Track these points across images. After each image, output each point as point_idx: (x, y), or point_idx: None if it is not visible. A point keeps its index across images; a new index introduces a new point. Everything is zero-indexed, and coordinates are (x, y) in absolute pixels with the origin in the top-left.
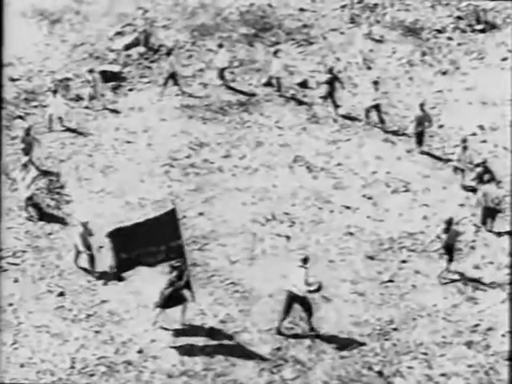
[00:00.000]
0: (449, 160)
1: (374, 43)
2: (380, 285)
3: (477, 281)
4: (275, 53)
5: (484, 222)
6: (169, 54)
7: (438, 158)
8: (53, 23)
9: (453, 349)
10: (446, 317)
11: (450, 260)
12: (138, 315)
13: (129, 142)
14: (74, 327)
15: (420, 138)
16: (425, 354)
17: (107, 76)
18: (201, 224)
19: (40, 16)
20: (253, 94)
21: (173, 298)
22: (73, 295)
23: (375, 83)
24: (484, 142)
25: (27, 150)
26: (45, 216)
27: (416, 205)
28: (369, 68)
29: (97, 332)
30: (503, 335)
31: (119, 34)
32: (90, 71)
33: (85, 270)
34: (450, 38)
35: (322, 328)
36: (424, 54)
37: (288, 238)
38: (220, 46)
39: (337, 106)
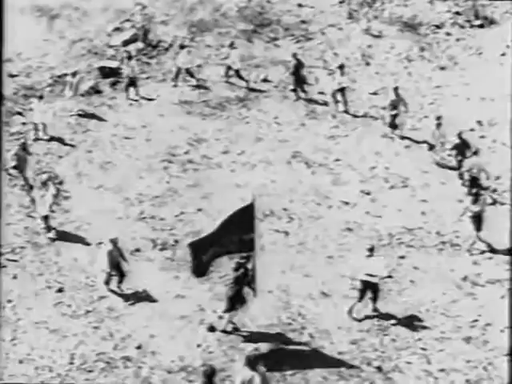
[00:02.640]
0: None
1: (373, 39)
2: (379, 280)
3: (476, 276)
4: (231, 45)
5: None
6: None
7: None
8: (51, 19)
9: (452, 344)
10: (444, 312)
11: (479, 229)
12: (136, 311)
13: (127, 138)
14: (72, 323)
15: (394, 121)
16: (424, 349)
17: (105, 72)
18: (199, 220)
19: (39, 12)
20: (251, 90)
21: (238, 299)
22: (72, 291)
23: (341, 67)
24: (482, 137)
25: (21, 167)
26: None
27: (414, 200)
28: (367, 63)
29: (96, 328)
30: (502, 331)
31: (118, 29)
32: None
33: (113, 292)
34: (448, 34)
35: (321, 324)
36: (422, 49)
37: (287, 233)
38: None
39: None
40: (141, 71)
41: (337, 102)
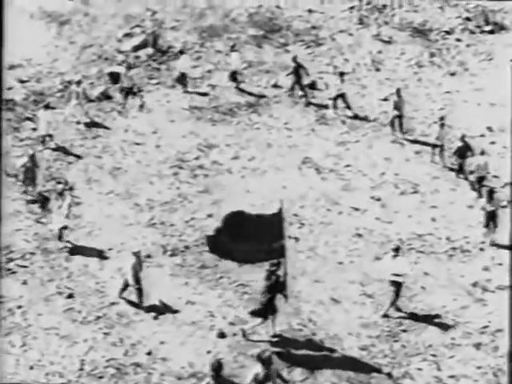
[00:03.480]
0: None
1: (383, 44)
2: (389, 286)
3: (486, 282)
4: (232, 47)
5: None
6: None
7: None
8: (61, 25)
9: (462, 350)
10: (454, 318)
11: (495, 226)
12: (146, 317)
13: (137, 144)
14: (83, 329)
15: (399, 122)
16: (434, 355)
17: (115, 77)
18: (210, 225)
19: (49, 18)
20: (262, 96)
21: (270, 307)
22: (82, 297)
23: (341, 74)
24: (493, 143)
25: (30, 179)
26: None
27: (425, 206)
28: (377, 69)
29: (106, 334)
30: None
31: (128, 35)
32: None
33: (130, 302)
34: (458, 39)
35: (331, 329)
36: (432, 55)
37: (297, 239)
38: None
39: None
40: (150, 77)
41: (336, 107)
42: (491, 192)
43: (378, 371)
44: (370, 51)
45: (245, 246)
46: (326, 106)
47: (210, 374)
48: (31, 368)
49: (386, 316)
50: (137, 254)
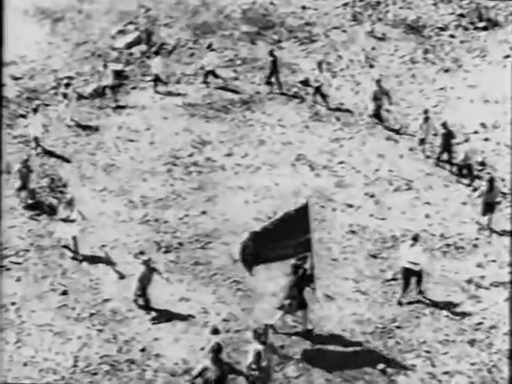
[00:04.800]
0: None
1: (377, 41)
2: (383, 283)
3: (480, 279)
4: (209, 46)
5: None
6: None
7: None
8: (55, 22)
9: (456, 347)
10: (448, 315)
11: (492, 213)
12: (140, 314)
13: (131, 141)
14: (76, 326)
15: (378, 112)
16: (428, 352)
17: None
18: (203, 222)
19: (42, 15)
20: (255, 93)
21: (298, 301)
22: (76, 294)
23: (319, 64)
24: (486, 139)
25: (24, 184)
26: (48, 215)
27: (418, 203)
28: (371, 66)
29: (100, 331)
30: (506, 333)
31: (121, 32)
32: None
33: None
34: (452, 36)
35: (325, 326)
36: (426, 51)
37: None
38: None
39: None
40: (144, 74)
41: (315, 100)
42: (491, 180)
43: (372, 367)
44: (364, 48)
45: (274, 245)
46: (319, 104)
47: (209, 356)
48: (25, 365)
49: (399, 303)
50: (147, 263)
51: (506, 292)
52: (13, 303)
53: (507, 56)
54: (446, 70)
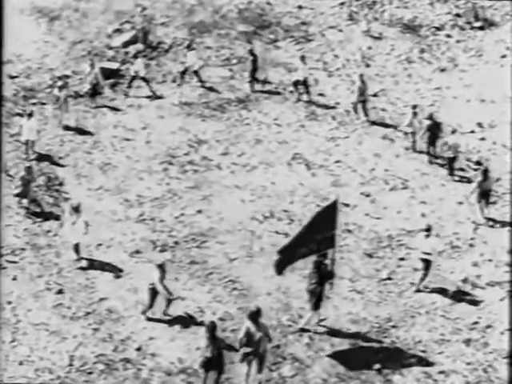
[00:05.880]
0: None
1: (373, 40)
2: (378, 282)
3: (476, 278)
4: (188, 46)
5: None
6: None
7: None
8: (51, 20)
9: (451, 346)
10: (444, 314)
11: (488, 203)
12: (136, 313)
13: (127, 140)
14: (72, 325)
15: (363, 107)
16: (423, 351)
17: (106, 73)
18: (199, 221)
19: (39, 13)
20: (252, 92)
21: (318, 298)
22: (71, 293)
23: (302, 58)
24: (483, 139)
25: (26, 191)
26: (43, 213)
27: (414, 202)
28: (367, 65)
29: (95, 330)
30: (502, 333)
31: (118, 31)
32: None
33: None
34: (448, 36)
35: (321, 326)
36: (422, 51)
37: (286, 235)
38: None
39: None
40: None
41: (299, 93)
42: (486, 171)
43: (368, 367)
44: (360, 47)
45: (302, 243)
46: (316, 103)
47: (205, 335)
48: (20, 364)
49: (418, 291)
50: (162, 266)
51: (502, 291)
52: (9, 302)
53: (503, 56)
54: (443, 70)
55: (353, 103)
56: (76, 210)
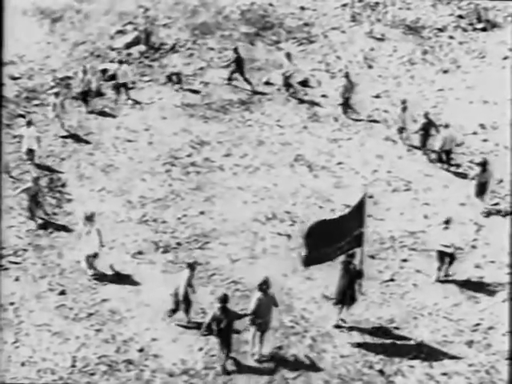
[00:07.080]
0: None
1: (376, 42)
2: (381, 284)
3: (478, 280)
4: (172, 48)
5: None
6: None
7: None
8: (54, 22)
9: (454, 348)
10: (446, 316)
11: (483, 194)
12: (138, 314)
13: (130, 141)
14: (74, 326)
15: (347, 105)
16: (426, 353)
17: (108, 74)
18: (202, 223)
19: (41, 14)
20: (254, 93)
21: (350, 296)
22: (74, 294)
23: (288, 55)
24: (485, 140)
25: (34, 200)
26: (52, 224)
27: (417, 204)
28: (370, 66)
29: (98, 331)
30: (504, 334)
31: (120, 32)
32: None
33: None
34: (451, 37)
35: (323, 327)
36: (425, 52)
37: (289, 236)
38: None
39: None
40: (142, 74)
41: (289, 88)
42: (484, 163)
43: (370, 368)
44: (363, 48)
45: (334, 241)
46: (317, 104)
47: (217, 306)
48: (23, 364)
49: (446, 281)
50: (192, 266)
51: (504, 293)
52: (11, 303)
53: (506, 57)
54: (445, 71)
55: (339, 104)
56: (89, 219)
